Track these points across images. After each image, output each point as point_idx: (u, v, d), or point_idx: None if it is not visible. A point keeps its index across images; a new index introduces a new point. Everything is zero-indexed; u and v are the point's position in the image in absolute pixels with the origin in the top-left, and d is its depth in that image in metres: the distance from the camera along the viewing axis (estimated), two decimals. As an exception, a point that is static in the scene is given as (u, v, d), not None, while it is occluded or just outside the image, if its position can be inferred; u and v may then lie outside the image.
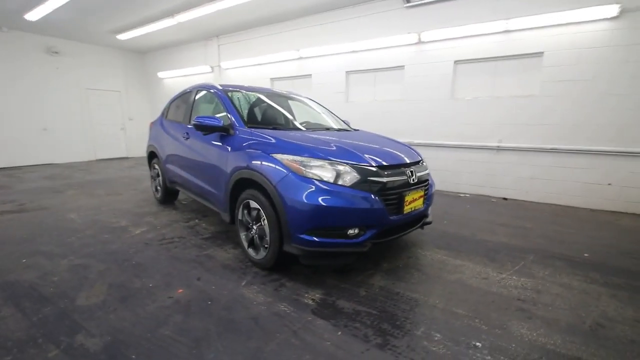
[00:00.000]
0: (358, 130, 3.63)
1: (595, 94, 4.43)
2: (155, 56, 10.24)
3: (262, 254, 2.52)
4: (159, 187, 4.56)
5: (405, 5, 5.61)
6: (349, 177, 2.21)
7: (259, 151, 2.48)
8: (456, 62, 5.41)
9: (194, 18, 6.75)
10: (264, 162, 2.38)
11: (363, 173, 2.25)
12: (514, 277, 2.55)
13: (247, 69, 8.09)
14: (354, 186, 2.20)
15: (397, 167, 2.46)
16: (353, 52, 6.39)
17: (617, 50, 4.21)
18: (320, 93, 6.78)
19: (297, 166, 2.23)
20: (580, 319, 2.03)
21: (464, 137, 5.51)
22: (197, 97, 3.73)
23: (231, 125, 2.90)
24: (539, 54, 4.75)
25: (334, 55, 6.64)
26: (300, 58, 7.10)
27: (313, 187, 2.16)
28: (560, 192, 4.83)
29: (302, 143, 2.43)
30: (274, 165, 2.31)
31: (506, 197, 5.25)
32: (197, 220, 3.87)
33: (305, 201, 2.13)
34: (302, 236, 2.18)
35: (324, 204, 2.12)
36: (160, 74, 10.00)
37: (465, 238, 3.40)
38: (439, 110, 5.67)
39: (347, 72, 6.60)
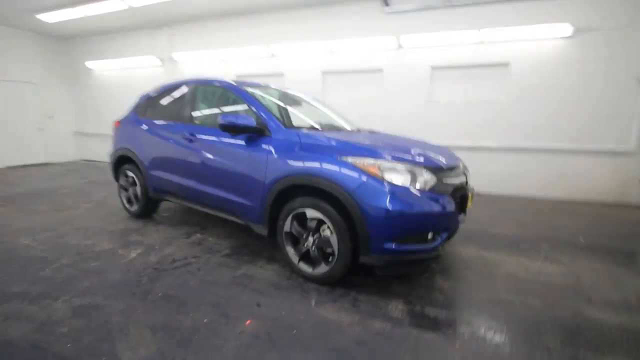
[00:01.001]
0: (378, 131, 3.56)
1: (552, 101, 5.13)
2: (83, 43, 8.63)
3: (324, 268, 2.27)
4: (134, 198, 3.82)
5: (386, 12, 5.73)
6: (428, 179, 2.13)
7: (321, 154, 2.22)
8: (433, 67, 5.74)
9: (151, 4, 5.87)
10: (331, 167, 2.13)
11: (438, 175, 2.19)
12: (549, 265, 2.77)
13: (207, 63, 7.36)
14: (432, 189, 2.13)
15: (457, 168, 2.46)
16: (331, 52, 6.29)
17: (571, 63, 4.94)
18: (294, 92, 6.52)
19: (376, 171, 2.05)
20: (626, 296, 2.29)
21: (441, 139, 5.79)
22: (198, 93, 3.21)
23: (266, 126, 2.56)
24: (506, 64, 5.32)
25: (309, 54, 6.45)
26: (272, 55, 6.74)
27: (396, 192, 2.01)
28: (524, 185, 5.49)
29: (370, 145, 2.25)
30: (346, 170, 2.09)
31: (479, 192, 5.76)
32: (198, 235, 3.34)
33: (391, 208, 1.97)
34: (385, 245, 2.02)
35: (410, 210, 2.00)
36: (90, 64, 8.47)
37: (479, 232, 3.59)
38: (417, 113, 5.94)
39: (323, 72, 6.48)
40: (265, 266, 2.65)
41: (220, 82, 3.07)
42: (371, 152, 2.15)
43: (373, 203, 2.00)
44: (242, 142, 2.63)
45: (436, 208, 2.09)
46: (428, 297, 2.22)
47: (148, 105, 3.73)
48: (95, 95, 8.86)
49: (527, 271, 2.66)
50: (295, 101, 3.46)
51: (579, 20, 4.77)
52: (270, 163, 2.42)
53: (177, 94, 3.42)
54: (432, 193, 2.11)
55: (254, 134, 2.57)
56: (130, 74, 8.26)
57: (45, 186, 5.68)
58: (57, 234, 3.31)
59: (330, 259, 2.23)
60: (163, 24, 7.51)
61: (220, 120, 2.54)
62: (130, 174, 3.77)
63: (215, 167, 2.82)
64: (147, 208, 3.76)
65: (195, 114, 3.17)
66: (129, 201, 3.90)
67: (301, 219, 2.34)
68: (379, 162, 2.08)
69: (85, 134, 9.16)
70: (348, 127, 3.39)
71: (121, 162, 3.91)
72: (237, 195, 2.70)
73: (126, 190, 3.90)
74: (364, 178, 2.04)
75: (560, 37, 4.91)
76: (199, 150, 2.95)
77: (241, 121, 2.49)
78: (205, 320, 1.90)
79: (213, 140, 2.84)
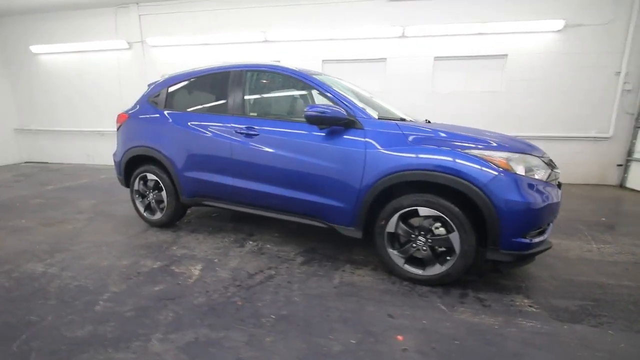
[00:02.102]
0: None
1: (545, 92, 5.55)
2: (22, 22, 7.16)
3: (439, 269, 2.14)
4: (156, 205, 3.27)
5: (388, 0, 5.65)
6: (546, 170, 2.11)
7: (439, 147, 2.07)
8: (436, 58, 5.83)
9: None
10: (458, 160, 1.99)
11: (548, 165, 2.19)
12: (602, 246, 2.99)
13: (189, 48, 6.60)
14: (549, 180, 2.12)
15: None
16: (331, 40, 6.05)
17: (561, 56, 5.38)
18: (291, 82, 6.18)
19: (505, 163, 1.97)
20: (687, 269, 2.55)
21: (443, 128, 6.03)
22: (249, 80, 2.80)
23: (355, 117, 2.32)
24: (504, 56, 5.61)
25: (308, 41, 6.13)
26: (267, 41, 6.26)
27: (526, 184, 1.96)
28: (520, 171, 5.91)
29: (488, 137, 2.16)
30: (476, 164, 1.97)
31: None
32: (251, 242, 2.98)
33: (526, 201, 1.92)
34: (517, 240, 1.96)
35: (539, 202, 1.96)
36: (36, 48, 7.07)
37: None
38: (420, 103, 6.01)
39: (323, 60, 6.22)
40: (356, 271, 2.44)
41: (279, 68, 2.72)
42: (495, 144, 2.06)
43: (507, 197, 1.92)
44: (323, 135, 2.36)
45: (555, 199, 2.09)
46: (540, 287, 2.24)
47: (170, 94, 3.18)
48: (43, 85, 7.46)
49: (592, 252, 2.83)
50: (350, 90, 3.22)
51: (568, 16, 5.19)
52: (371, 158, 2.20)
53: (216, 81, 2.96)
54: (549, 184, 2.10)
55: (341, 127, 2.32)
56: (87, 59, 7.09)
57: (6, 196, 4.64)
58: (72, 254, 2.69)
59: (448, 259, 2.12)
60: (129, 1, 6.54)
61: (307, 112, 2.25)
62: (151, 176, 3.20)
63: (289, 165, 2.50)
64: (175, 216, 3.25)
65: (250, 104, 2.77)
66: (149, 209, 3.34)
67: (407, 218, 2.18)
68: (507, 154, 2.00)
69: (30, 131, 7.69)
70: (409, 118, 3.25)
71: (135, 163, 3.31)
72: (321, 196, 2.43)
73: (143, 196, 3.33)
74: (495, 171, 1.94)
75: (552, 31, 5.30)
76: (263, 146, 2.58)
77: (331, 112, 2.23)
78: (353, 341, 1.66)
79: (285, 135, 2.51)
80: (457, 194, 2.03)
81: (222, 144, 2.75)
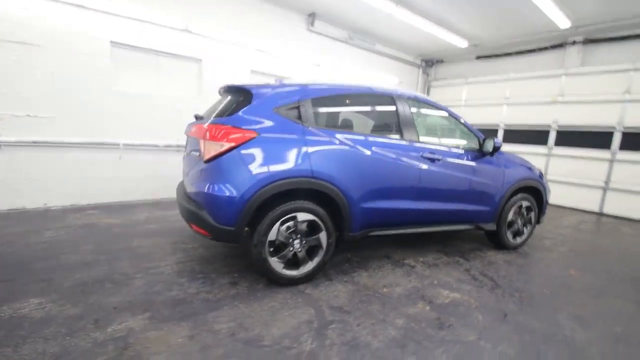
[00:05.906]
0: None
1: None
2: None
3: (524, 237, 3.67)
4: (306, 254, 2.44)
5: (310, 30, 6.27)
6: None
7: (524, 166, 3.57)
8: (337, 87, 7.11)
9: None
10: (535, 173, 3.59)
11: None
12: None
13: (47, 4, 3.78)
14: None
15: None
16: (260, 50, 5.75)
17: (397, 100, 8.33)
18: (214, 88, 5.24)
19: (541, 170, 3.80)
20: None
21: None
22: (411, 109, 2.96)
23: (495, 145, 3.36)
24: (371, 94, 7.85)
25: (236, 45, 5.45)
26: (187, 31, 4.88)
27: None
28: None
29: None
30: (538, 175, 3.65)
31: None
32: (405, 262, 3.07)
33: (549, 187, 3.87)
34: (545, 211, 3.87)
35: (545, 190, 3.99)
36: None
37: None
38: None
39: (252, 71, 5.75)
40: (489, 253, 3.44)
41: (442, 107, 3.22)
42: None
43: (547, 187, 3.76)
44: (482, 159, 3.21)
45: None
46: (528, 235, 4.30)
47: (317, 109, 2.53)
48: None
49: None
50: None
51: (400, 76, 8.25)
52: (507, 174, 3.34)
53: (379, 106, 2.84)
54: (533, 181, 4.20)
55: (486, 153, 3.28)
56: None
57: None
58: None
59: (527, 228, 3.69)
60: None
61: (497, 143, 3.06)
62: (304, 217, 2.38)
63: (463, 184, 3.09)
64: (327, 261, 2.60)
65: (422, 132, 2.95)
66: (290, 263, 2.41)
67: (521, 207, 3.54)
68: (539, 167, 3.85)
69: None
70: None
71: (272, 202, 2.28)
72: (479, 204, 3.23)
73: (283, 247, 2.36)
74: (541, 176, 3.73)
75: (394, 84, 8.18)
76: (445, 170, 2.95)
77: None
78: (573, 273, 2.86)
79: (459, 157, 3.10)
80: (529, 191, 3.64)
81: (412, 169, 2.77)
